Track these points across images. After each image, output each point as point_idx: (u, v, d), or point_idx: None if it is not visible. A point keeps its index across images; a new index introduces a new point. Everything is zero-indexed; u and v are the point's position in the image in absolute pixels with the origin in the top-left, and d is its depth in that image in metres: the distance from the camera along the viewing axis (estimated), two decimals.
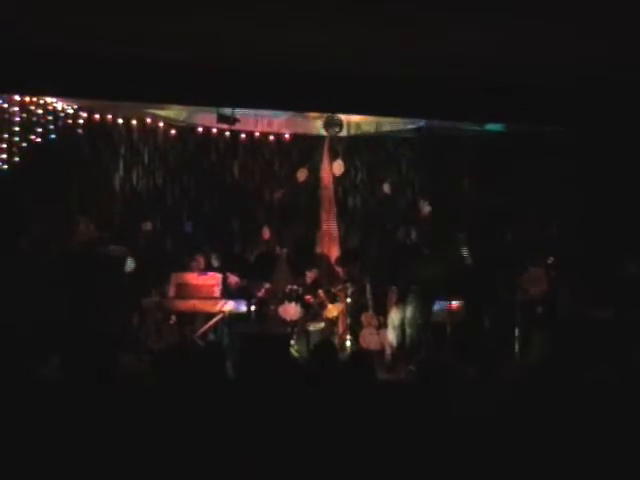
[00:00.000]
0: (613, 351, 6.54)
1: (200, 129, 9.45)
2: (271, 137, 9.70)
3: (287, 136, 9.70)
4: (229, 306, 7.99)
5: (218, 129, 9.33)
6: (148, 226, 8.99)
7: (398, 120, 9.12)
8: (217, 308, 7.99)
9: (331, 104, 7.80)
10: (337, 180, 9.76)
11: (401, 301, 8.01)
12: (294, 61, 6.88)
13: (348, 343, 8.64)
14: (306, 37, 6.26)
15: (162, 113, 9.10)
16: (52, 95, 7.96)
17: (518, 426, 3.58)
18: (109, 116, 8.99)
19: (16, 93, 7.64)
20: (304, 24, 5.99)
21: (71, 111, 8.47)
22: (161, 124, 9.38)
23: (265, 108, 8.55)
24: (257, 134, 9.61)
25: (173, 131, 9.48)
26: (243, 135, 9.56)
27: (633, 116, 7.58)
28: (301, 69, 7.05)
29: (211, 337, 8.08)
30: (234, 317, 8.07)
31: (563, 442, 3.43)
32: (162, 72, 7.00)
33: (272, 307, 8.43)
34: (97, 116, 8.83)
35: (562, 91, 7.40)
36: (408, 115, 8.60)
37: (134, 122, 9.24)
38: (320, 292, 8.66)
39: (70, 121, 8.49)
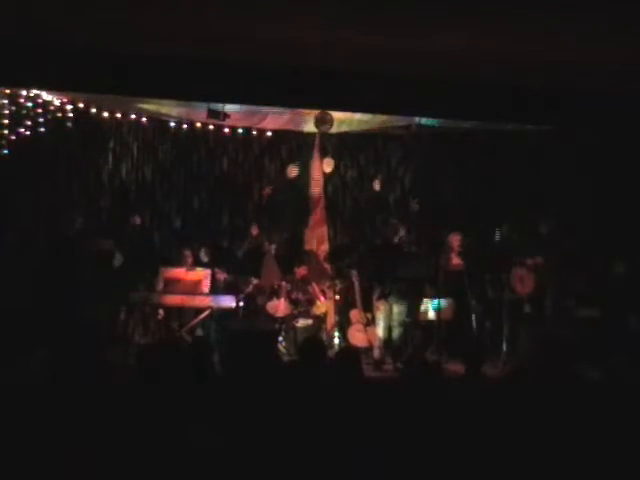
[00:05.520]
0: (598, 350, 6.57)
1: (190, 124, 9.43)
2: (261, 133, 9.69)
3: (277, 132, 9.69)
4: (217, 302, 7.99)
5: (208, 124, 9.31)
6: (136, 220, 8.96)
7: (389, 117, 9.12)
8: (205, 303, 7.98)
9: (322, 101, 7.80)
10: (327, 177, 9.76)
11: (389, 298, 8.03)
12: (286, 57, 6.88)
13: (336, 340, 8.66)
14: (298, 33, 6.26)
15: (152, 107, 9.06)
16: (41, 88, 7.91)
17: (505, 424, 3.59)
18: (98, 110, 8.94)
19: (6, 86, 7.60)
20: (299, 21, 5.98)
21: (59, 104, 8.41)
22: (151, 118, 9.34)
23: (255, 104, 8.52)
24: (247, 130, 9.60)
25: (163, 126, 9.45)
26: (233, 131, 9.55)
27: (627, 117, 7.63)
28: (293, 65, 7.04)
29: (199, 332, 8.08)
30: (222, 313, 8.07)
31: (548, 440, 3.45)
32: (153, 66, 6.99)
33: (260, 303, 8.44)
34: (86, 109, 8.77)
35: (556, 91, 7.44)
36: (400, 112, 8.61)
37: (123, 116, 9.20)
38: (309, 288, 8.67)
39: (59, 114, 8.44)
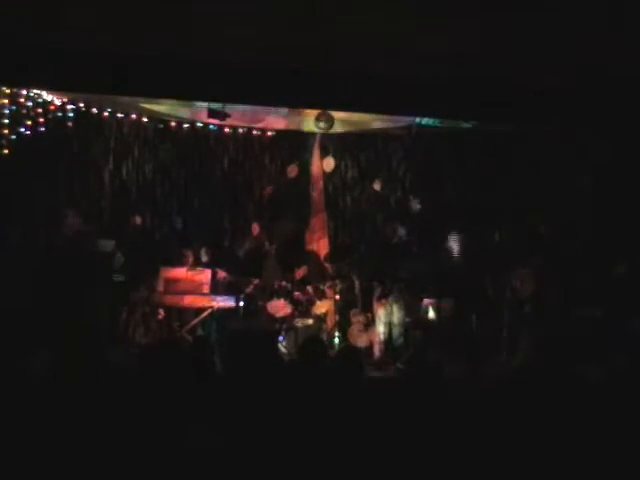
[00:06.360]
0: (598, 350, 6.58)
1: (190, 124, 9.44)
2: (261, 133, 9.69)
3: (277, 132, 9.70)
4: (218, 301, 7.99)
5: (208, 124, 9.32)
6: (137, 220, 8.97)
7: (389, 117, 9.13)
8: (206, 303, 7.98)
9: (322, 101, 7.79)
10: (327, 177, 9.77)
11: (389, 298, 8.03)
12: (286, 57, 6.87)
13: (336, 340, 8.66)
14: (298, 33, 6.25)
15: (152, 107, 9.06)
16: (41, 88, 7.92)
17: (505, 424, 3.59)
18: (99, 109, 8.95)
19: (6, 86, 7.60)
20: (299, 21, 5.98)
21: (60, 103, 8.42)
22: (151, 118, 9.34)
23: (255, 104, 8.53)
24: (247, 130, 9.61)
25: (163, 125, 9.46)
26: (233, 130, 9.55)
27: (627, 117, 7.63)
28: (293, 65, 7.03)
29: (199, 332, 8.08)
30: (222, 313, 8.07)
31: (549, 440, 3.45)
32: (153, 66, 6.98)
33: (261, 303, 8.44)
34: (86, 109, 8.79)
35: (556, 91, 7.44)
36: (400, 113, 8.62)
37: (124, 116, 9.21)
38: (309, 288, 8.67)
39: (59, 114, 8.45)
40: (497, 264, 8.16)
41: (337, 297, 8.87)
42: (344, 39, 6.31)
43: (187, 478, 3.23)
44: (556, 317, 7.86)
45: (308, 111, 8.99)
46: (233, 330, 7.63)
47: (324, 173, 9.69)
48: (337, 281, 8.87)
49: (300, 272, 8.82)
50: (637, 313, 7.52)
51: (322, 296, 8.66)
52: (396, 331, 8.00)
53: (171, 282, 8.10)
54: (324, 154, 9.64)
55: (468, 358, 4.66)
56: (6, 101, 7.70)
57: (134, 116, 9.23)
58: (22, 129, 7.90)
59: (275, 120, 9.43)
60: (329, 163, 9.58)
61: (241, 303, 8.27)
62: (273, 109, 9.08)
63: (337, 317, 8.80)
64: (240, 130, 9.58)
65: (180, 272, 8.17)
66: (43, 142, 8.31)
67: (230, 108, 8.51)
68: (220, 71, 7.04)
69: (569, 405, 3.73)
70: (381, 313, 8.09)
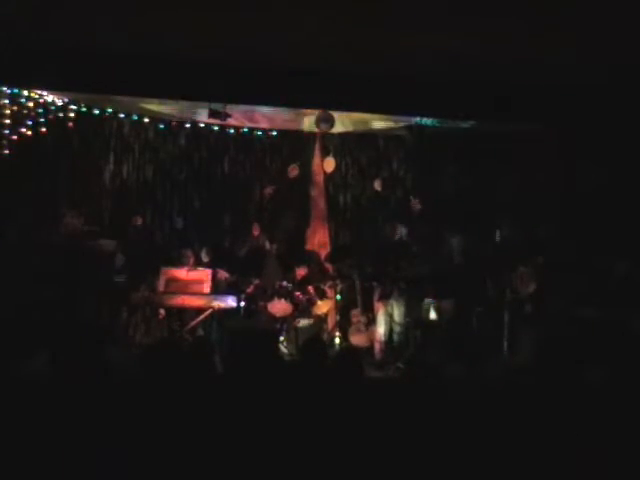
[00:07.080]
0: (599, 350, 6.57)
1: (191, 124, 9.45)
2: (262, 133, 9.70)
3: (278, 132, 9.70)
4: (218, 302, 7.99)
5: (209, 124, 9.32)
6: (138, 221, 8.97)
7: (390, 117, 9.13)
8: (206, 303, 7.98)
9: (322, 101, 7.80)
10: (328, 177, 9.77)
11: (390, 298, 8.03)
12: (286, 57, 6.88)
13: (337, 340, 8.66)
14: (298, 33, 6.26)
15: (153, 108, 9.06)
16: (41, 88, 7.92)
17: (506, 424, 3.59)
18: (99, 109, 8.96)
19: (6, 86, 7.61)
20: (299, 21, 5.98)
21: (61, 104, 8.43)
22: (152, 118, 9.35)
23: (257, 104, 8.53)
24: (248, 130, 9.61)
25: (164, 126, 9.47)
26: (234, 131, 9.56)
27: (623, 116, 7.63)
28: (293, 65, 7.04)
29: (200, 332, 8.08)
30: (223, 313, 8.07)
31: (549, 440, 3.45)
32: (153, 66, 6.99)
33: (261, 303, 8.43)
34: (87, 109, 8.79)
35: (557, 91, 7.44)
36: (400, 113, 8.62)
37: (124, 116, 9.21)
38: (309, 288, 8.66)
39: (60, 114, 8.45)
40: (497, 264, 8.15)
41: (338, 297, 8.87)
42: (344, 39, 6.32)
43: (188, 478, 3.23)
44: (557, 317, 7.86)
45: (308, 111, 8.98)
46: (233, 330, 7.62)
47: (324, 173, 9.69)
48: (338, 281, 8.87)
49: (301, 272, 8.81)
50: (637, 313, 7.51)
51: (323, 296, 8.65)
52: (397, 331, 8.00)
53: (172, 282, 8.09)
54: (325, 154, 9.64)
55: (468, 358, 4.65)
56: (6, 101, 7.71)
57: (134, 116, 9.23)
58: (22, 129, 7.90)
59: (275, 120, 9.42)
60: (329, 163, 9.57)
61: (242, 303, 8.26)
62: (274, 109, 9.07)
63: (338, 317, 8.80)
64: (241, 130, 9.58)
65: (181, 272, 8.16)
66: (44, 142, 8.32)
67: (230, 108, 8.51)
68: (220, 71, 7.05)
69: (569, 405, 3.73)
70: (382, 313, 8.09)
